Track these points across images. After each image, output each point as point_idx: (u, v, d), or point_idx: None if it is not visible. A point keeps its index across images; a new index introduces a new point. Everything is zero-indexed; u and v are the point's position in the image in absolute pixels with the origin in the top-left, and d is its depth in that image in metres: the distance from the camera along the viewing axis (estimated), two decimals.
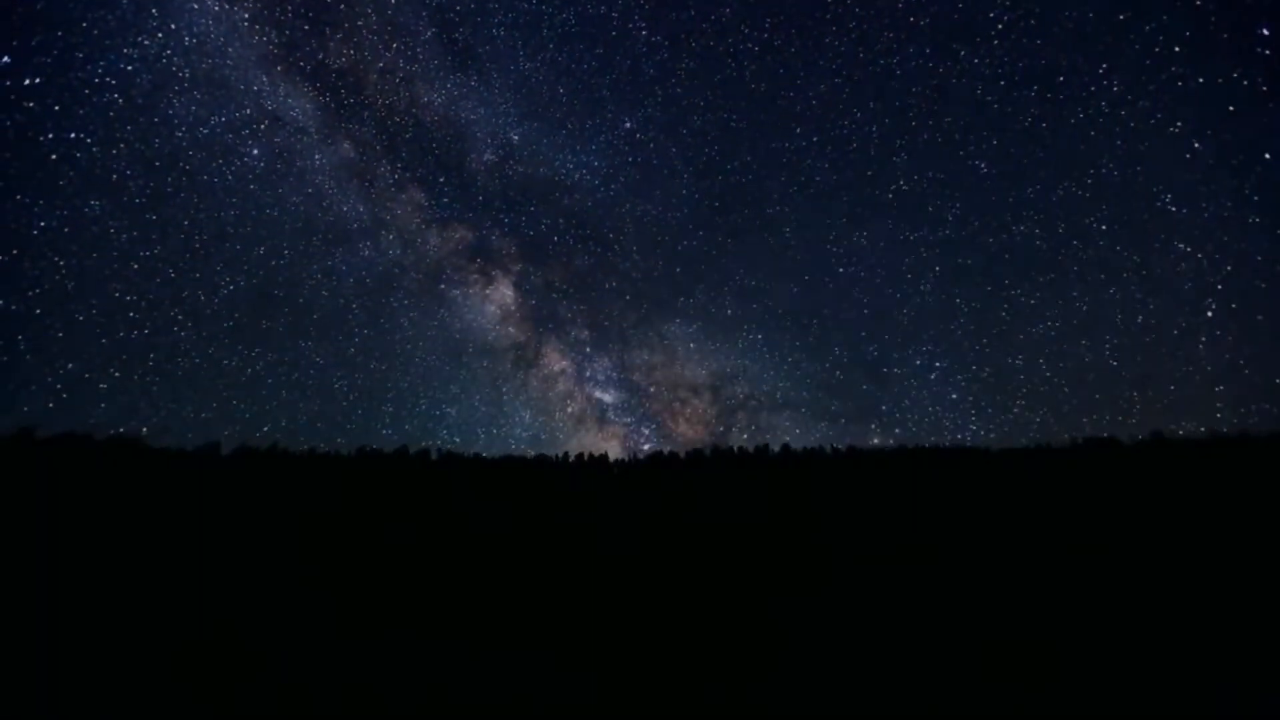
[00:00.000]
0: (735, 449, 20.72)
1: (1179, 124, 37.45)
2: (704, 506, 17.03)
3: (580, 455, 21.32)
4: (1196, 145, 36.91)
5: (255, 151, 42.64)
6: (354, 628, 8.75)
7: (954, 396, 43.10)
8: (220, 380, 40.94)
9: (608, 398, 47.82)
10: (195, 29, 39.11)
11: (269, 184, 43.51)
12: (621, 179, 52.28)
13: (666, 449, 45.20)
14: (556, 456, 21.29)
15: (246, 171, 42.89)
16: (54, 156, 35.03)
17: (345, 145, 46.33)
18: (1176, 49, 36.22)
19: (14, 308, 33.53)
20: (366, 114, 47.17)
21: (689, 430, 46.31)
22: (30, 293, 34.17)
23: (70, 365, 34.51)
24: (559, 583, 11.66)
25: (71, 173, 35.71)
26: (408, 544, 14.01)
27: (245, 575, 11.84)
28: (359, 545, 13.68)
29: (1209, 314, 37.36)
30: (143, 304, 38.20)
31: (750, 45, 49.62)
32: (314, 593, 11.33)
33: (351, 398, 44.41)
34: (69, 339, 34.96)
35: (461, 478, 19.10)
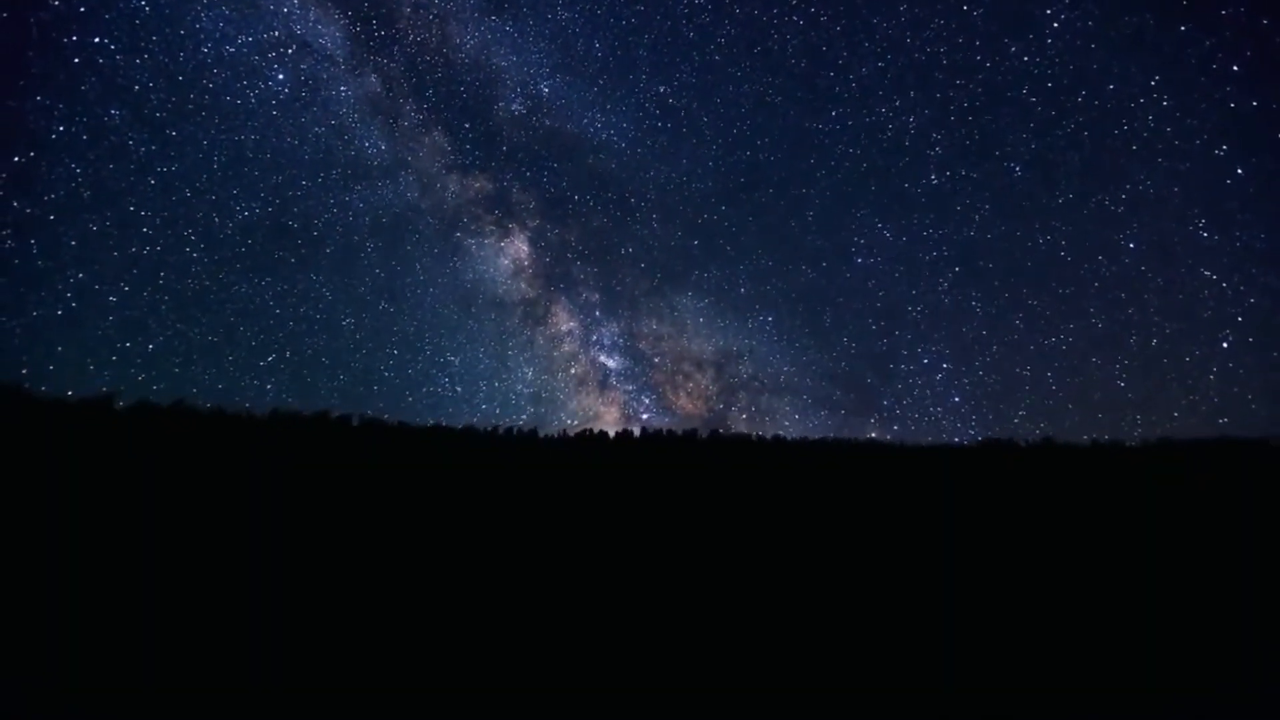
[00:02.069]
0: (664, 432, 21.17)
1: (1224, 147, 35.52)
2: (630, 491, 17.30)
3: (510, 429, 21.16)
4: (1239, 171, 35.13)
5: (280, 76, 40.39)
6: (253, 603, 8.45)
7: (956, 399, 42.64)
8: (229, 305, 40.10)
9: (612, 363, 47.48)
10: None
11: (291, 111, 41.42)
12: (649, 143, 50.34)
13: (665, 421, 45.45)
14: (484, 429, 21.04)
15: (270, 96, 40.82)
16: (76, 60, 33.10)
17: (372, 79, 43.74)
18: (1235, 68, 34.40)
19: (28, 210, 32.15)
20: (396, 49, 44.39)
21: (689, 405, 46.29)
22: (46, 197, 32.69)
23: (81, 274, 33.35)
24: (478, 561, 11.64)
25: (93, 78, 33.69)
26: (317, 515, 13.57)
27: (129, 544, 11.18)
28: (263, 516, 13.14)
29: (1225, 345, 35.94)
30: (157, 220, 38.72)
31: (795, 18, 46.67)
32: (207, 564, 10.84)
33: (358, 337, 43.73)
34: (81, 247, 33.62)
35: (383, 446, 18.58)
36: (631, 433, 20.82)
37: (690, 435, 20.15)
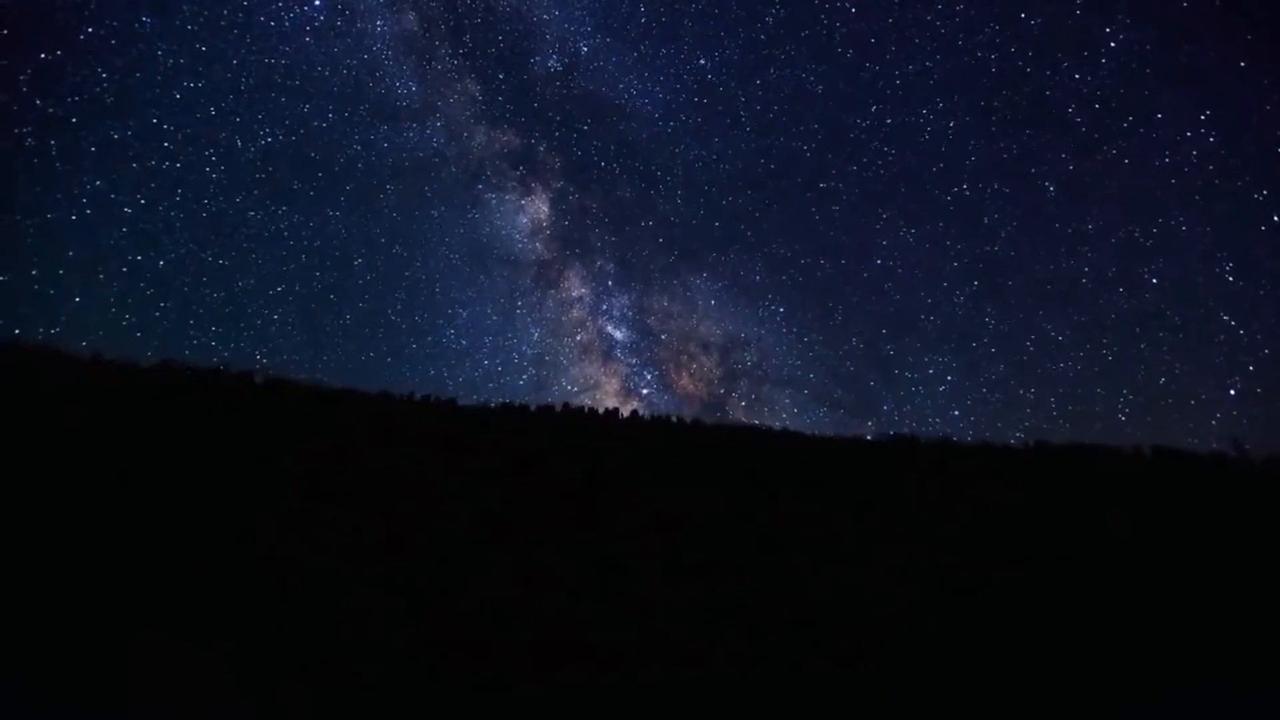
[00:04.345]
0: (585, 409, 21.35)
1: (1264, 191, 35.05)
2: (548, 467, 17.45)
3: (425, 396, 20.54)
4: (1275, 218, 34.77)
5: (317, 2, 36.99)
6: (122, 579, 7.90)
7: (956, 413, 42.02)
8: (244, 229, 38.32)
9: (618, 335, 46.78)
10: None
11: (325, 40, 38.38)
12: (682, 117, 48.40)
13: (665, 399, 45.17)
14: (401, 395, 20.30)
15: (305, 22, 37.80)
16: None
17: (410, 17, 40.46)
18: None
19: (51, 110, 31.95)
20: None
21: (690, 386, 46.06)
22: (69, 99, 32.30)
23: (98, 181, 33.72)
24: (376, 534, 11.44)
25: None
26: (202, 478, 12.68)
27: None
28: (147, 479, 12.11)
29: (1231, 392, 35.64)
30: (179, 136, 37.20)
31: (847, 5, 44.27)
32: (72, 528, 9.95)
33: (368, 277, 41.99)
34: (100, 155, 33.96)
35: (288, 408, 17.48)
36: (553, 408, 20.86)
37: (611, 414, 20.51)
